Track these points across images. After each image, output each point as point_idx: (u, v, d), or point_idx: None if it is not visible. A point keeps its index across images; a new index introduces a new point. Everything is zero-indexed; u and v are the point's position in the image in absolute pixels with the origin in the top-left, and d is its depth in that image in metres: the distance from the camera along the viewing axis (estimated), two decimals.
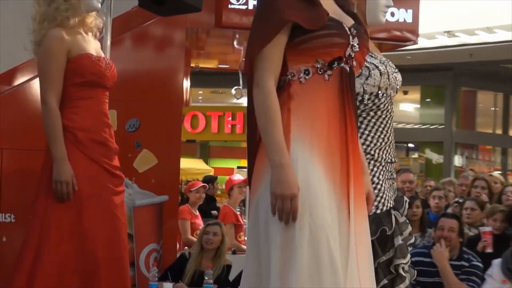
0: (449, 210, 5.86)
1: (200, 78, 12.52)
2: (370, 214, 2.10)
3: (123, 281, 2.97)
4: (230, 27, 4.86)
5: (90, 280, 2.84)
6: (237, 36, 5.27)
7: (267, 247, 1.70)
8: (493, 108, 20.73)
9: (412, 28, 5.21)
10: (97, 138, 2.90)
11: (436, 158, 18.71)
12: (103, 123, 2.96)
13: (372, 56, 2.43)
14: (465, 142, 19.58)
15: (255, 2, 3.58)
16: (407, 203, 2.68)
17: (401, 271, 2.54)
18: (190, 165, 15.72)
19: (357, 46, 1.81)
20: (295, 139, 1.72)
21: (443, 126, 18.38)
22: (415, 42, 5.54)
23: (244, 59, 2.55)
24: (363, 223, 1.82)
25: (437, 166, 18.57)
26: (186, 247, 5.74)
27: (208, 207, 8.26)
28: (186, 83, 5.83)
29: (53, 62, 2.83)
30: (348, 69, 1.81)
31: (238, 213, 6.66)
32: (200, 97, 19.89)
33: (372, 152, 2.44)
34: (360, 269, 1.73)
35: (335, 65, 1.78)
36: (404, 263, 2.55)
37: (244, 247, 5.18)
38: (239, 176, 7.42)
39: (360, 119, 2.38)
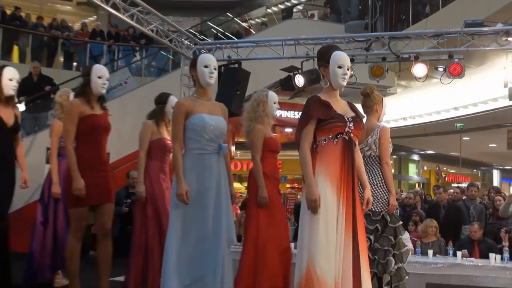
0: None
1: None
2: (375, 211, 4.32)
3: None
4: None
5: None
6: None
7: (302, 226, 3.40)
8: None
9: None
10: None
11: None
12: None
13: None
14: None
15: None
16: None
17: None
18: None
19: (352, 126, 3.50)
20: (317, 173, 3.43)
21: None
22: None
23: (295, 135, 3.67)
24: (360, 216, 3.49)
25: None
26: None
27: None
28: None
29: None
30: (347, 138, 3.48)
31: None
32: None
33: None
34: (360, 243, 3.39)
35: (339, 136, 3.47)
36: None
37: None
38: None
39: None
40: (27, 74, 11.01)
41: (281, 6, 15.47)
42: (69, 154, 4.11)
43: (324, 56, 3.55)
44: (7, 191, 4.47)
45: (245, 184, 14.63)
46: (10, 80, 4.40)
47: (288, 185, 19.53)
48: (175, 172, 3.80)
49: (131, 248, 4.85)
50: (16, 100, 4.66)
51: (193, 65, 3.92)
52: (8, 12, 15.01)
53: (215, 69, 3.89)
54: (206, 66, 3.84)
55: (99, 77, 4.22)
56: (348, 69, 3.53)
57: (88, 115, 4.14)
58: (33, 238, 5.49)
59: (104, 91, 4.34)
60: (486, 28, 7.17)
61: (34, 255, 5.44)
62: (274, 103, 4.70)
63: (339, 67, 3.47)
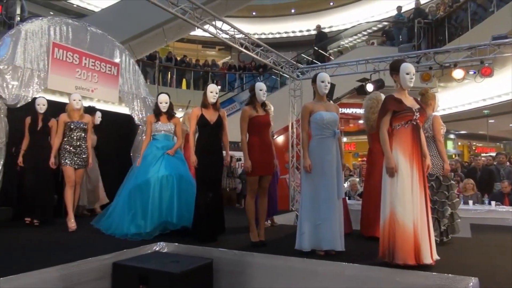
0: None
1: None
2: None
3: None
4: None
5: None
6: None
7: (384, 184, 3.24)
8: None
9: None
10: None
11: None
12: None
13: None
14: None
15: None
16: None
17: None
18: None
19: (418, 115, 3.30)
20: (394, 148, 3.26)
21: None
22: None
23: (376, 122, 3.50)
24: (421, 178, 3.22)
25: None
26: None
27: None
28: None
29: None
30: (415, 123, 3.29)
31: None
32: None
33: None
34: (419, 197, 3.17)
35: (409, 123, 3.28)
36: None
37: None
38: None
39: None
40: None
41: (351, 39, 14.93)
42: (242, 143, 4.01)
43: (395, 67, 3.38)
44: (219, 168, 4.36)
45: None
46: (211, 92, 4.27)
47: (359, 159, 19.02)
48: (302, 150, 3.76)
49: None
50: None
51: (314, 80, 3.80)
52: (179, 57, 15.80)
53: (328, 83, 3.77)
54: (322, 81, 3.75)
55: (260, 90, 4.08)
56: (413, 75, 3.35)
57: (254, 116, 4.06)
58: None
59: (264, 99, 4.11)
60: (508, 40, 6.47)
61: None
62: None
63: (407, 73, 3.31)
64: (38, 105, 5.10)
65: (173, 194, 4.46)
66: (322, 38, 13.05)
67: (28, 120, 5.13)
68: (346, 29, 15.94)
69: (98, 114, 6.12)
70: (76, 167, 4.89)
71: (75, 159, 4.87)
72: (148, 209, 4.34)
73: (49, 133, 5.15)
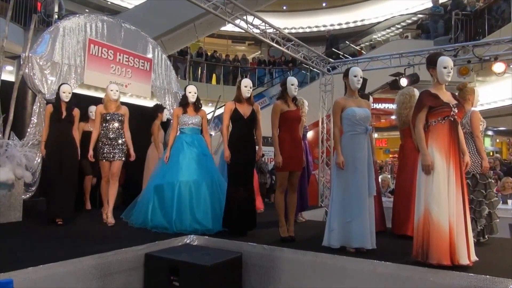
0: None
1: None
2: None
3: None
4: None
5: None
6: None
7: (419, 182, 3.13)
8: None
9: None
10: None
11: None
12: None
13: None
14: None
15: None
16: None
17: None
18: None
19: (456, 110, 3.16)
20: (430, 145, 3.12)
21: None
22: None
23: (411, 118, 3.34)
24: (459, 177, 3.07)
25: None
26: None
27: None
28: None
29: None
30: (452, 119, 3.16)
31: None
32: None
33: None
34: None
35: (446, 118, 3.15)
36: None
37: None
38: None
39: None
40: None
41: (383, 33, 14.56)
42: (274, 137, 3.96)
43: (432, 60, 3.25)
44: (252, 163, 4.31)
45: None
46: (245, 86, 4.21)
47: (391, 155, 18.56)
48: (334, 147, 3.69)
49: None
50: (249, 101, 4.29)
51: (346, 75, 3.74)
52: (209, 53, 15.93)
53: (361, 77, 3.69)
54: (355, 76, 3.68)
55: (292, 84, 4.02)
56: (451, 69, 3.21)
57: (286, 111, 3.99)
58: None
59: (295, 93, 4.06)
60: None
61: None
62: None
63: (444, 67, 3.19)
64: (64, 92, 4.77)
65: (204, 199, 4.37)
66: (332, 43, 12.92)
67: (49, 108, 4.79)
68: (378, 23, 15.56)
69: (166, 112, 6.43)
70: (112, 159, 4.73)
71: (111, 151, 4.72)
72: (173, 212, 4.26)
73: (73, 122, 4.84)
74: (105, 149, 4.74)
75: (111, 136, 4.76)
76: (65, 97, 4.78)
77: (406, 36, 13.63)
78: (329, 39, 13.44)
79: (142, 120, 6.31)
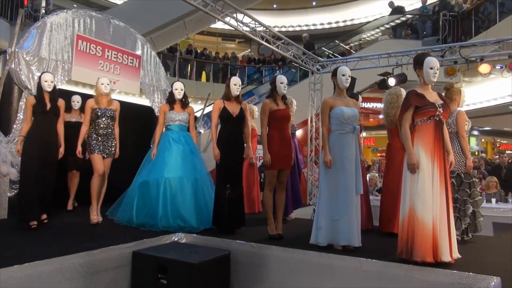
0: None
1: None
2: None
3: None
4: None
5: None
6: None
7: (404, 180, 3.18)
8: None
9: None
10: None
11: None
12: None
13: None
14: None
15: None
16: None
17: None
18: None
19: (441, 110, 3.20)
20: (415, 145, 3.17)
21: None
22: None
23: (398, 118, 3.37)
24: (443, 175, 3.11)
25: None
26: None
27: None
28: None
29: None
30: (438, 119, 3.20)
31: None
32: None
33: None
34: (439, 195, 3.08)
35: (431, 118, 3.19)
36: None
37: None
38: None
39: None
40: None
41: (373, 32, 14.65)
42: (263, 136, 3.95)
43: (419, 61, 3.29)
44: (241, 161, 4.34)
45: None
46: (235, 85, 4.21)
47: (378, 154, 18.77)
48: (323, 146, 3.71)
49: None
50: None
51: (334, 74, 3.75)
52: (199, 50, 15.87)
53: (349, 76, 3.72)
54: (343, 75, 3.70)
55: (281, 83, 4.02)
56: (437, 69, 3.26)
57: (275, 109, 3.98)
58: None
59: (285, 92, 4.05)
60: None
61: None
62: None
63: (431, 68, 3.22)
64: (46, 81, 4.30)
65: (189, 197, 4.36)
66: (309, 48, 12.95)
67: (31, 100, 4.31)
68: (368, 22, 15.66)
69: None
70: (105, 156, 4.55)
71: (102, 148, 4.53)
72: (158, 208, 4.24)
73: (58, 115, 4.42)
74: (96, 145, 4.53)
75: (101, 133, 4.57)
76: (47, 86, 4.30)
77: (391, 35, 13.71)
78: (306, 44, 13.42)
79: (131, 118, 6.25)
